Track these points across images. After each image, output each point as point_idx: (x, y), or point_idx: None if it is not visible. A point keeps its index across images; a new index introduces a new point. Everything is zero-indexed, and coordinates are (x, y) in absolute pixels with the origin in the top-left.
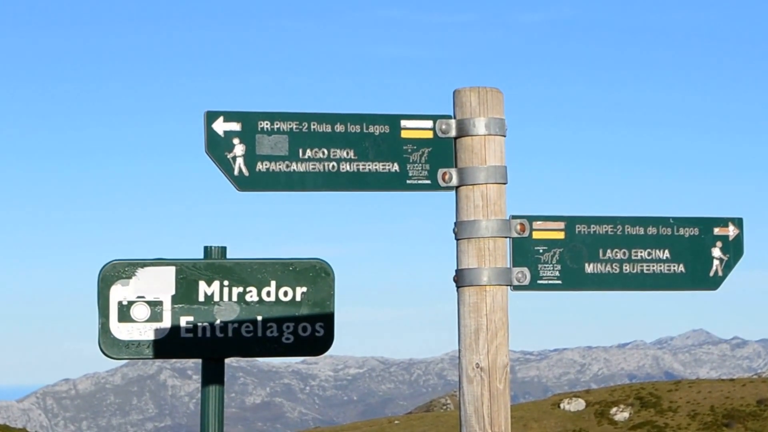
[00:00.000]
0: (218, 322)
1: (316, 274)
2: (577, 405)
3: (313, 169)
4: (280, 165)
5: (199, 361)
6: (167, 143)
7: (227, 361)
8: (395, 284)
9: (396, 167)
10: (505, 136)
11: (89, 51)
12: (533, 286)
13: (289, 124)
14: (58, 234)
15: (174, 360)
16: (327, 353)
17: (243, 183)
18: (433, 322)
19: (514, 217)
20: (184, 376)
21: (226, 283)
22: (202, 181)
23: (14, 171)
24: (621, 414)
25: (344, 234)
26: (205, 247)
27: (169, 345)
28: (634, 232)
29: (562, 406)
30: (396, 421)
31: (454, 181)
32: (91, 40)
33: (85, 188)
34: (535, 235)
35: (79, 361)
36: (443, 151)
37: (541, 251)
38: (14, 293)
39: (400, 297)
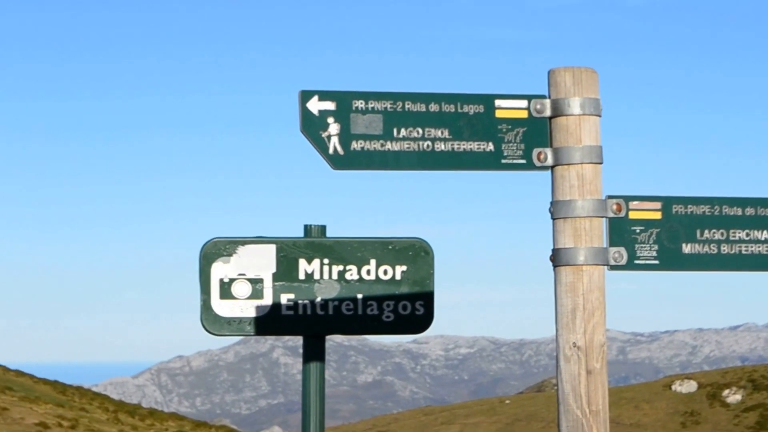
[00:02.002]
0: (318, 299)
1: (416, 253)
2: (689, 387)
3: (407, 148)
4: (374, 144)
5: None
6: (265, 121)
7: (339, 339)
8: (502, 264)
9: (491, 147)
10: (600, 116)
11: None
12: (630, 266)
13: (384, 104)
14: (166, 213)
15: (287, 338)
16: (438, 332)
17: (338, 162)
18: (544, 301)
19: (610, 197)
20: (296, 354)
21: (326, 261)
22: (301, 160)
23: (135, 145)
24: (733, 396)
25: (443, 214)
26: (305, 226)
27: (270, 322)
28: (732, 213)
29: (673, 387)
30: (507, 401)
31: (549, 161)
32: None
33: (189, 168)
34: (632, 215)
35: (193, 339)
36: (538, 131)
37: (637, 231)
38: (130, 274)
39: (507, 276)
